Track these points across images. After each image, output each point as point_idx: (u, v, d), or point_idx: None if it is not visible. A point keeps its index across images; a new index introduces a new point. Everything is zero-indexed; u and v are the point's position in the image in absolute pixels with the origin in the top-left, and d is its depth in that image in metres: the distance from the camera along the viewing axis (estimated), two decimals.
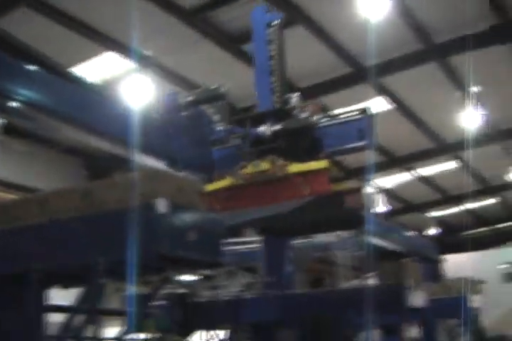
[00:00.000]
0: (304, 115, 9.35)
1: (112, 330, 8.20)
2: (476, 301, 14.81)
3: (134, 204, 5.62)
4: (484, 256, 40.65)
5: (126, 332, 7.54)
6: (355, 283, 13.02)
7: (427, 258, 14.89)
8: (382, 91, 21.82)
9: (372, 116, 9.60)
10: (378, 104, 22.36)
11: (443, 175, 31.21)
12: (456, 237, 40.25)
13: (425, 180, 32.01)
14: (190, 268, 6.93)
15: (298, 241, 11.60)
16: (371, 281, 12.15)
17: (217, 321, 10.18)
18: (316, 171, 8.54)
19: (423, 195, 34.35)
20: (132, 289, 7.95)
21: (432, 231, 38.33)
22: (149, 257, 5.64)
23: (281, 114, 9.38)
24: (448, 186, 33.43)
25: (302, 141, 9.38)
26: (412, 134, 25.23)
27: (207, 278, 10.18)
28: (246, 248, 10.88)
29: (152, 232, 5.59)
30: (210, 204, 8.64)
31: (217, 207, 8.74)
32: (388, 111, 22.46)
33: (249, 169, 8.90)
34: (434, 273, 15.22)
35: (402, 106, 23.19)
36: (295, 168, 8.66)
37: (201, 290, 10.46)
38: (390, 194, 32.77)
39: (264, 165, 8.79)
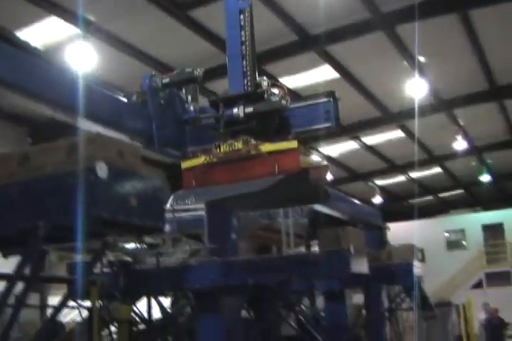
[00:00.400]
0: (274, 98, 9.69)
1: (57, 298, 8.15)
2: (419, 268, 15.00)
3: (74, 168, 5.54)
4: (429, 224, 41.42)
5: (69, 299, 7.48)
6: (299, 250, 13.10)
7: (372, 225, 15.01)
8: (329, 59, 21.80)
9: (337, 98, 9.97)
10: (324, 73, 22.39)
11: (388, 144, 31.49)
12: (402, 205, 40.84)
13: (371, 149, 32.24)
14: (131, 233, 6.88)
15: None
16: (315, 248, 12.24)
17: (162, 288, 10.21)
18: (287, 150, 8.96)
19: (368, 163, 34.64)
20: (76, 257, 7.88)
21: (377, 199, 38.72)
22: (90, 222, 5.58)
23: (253, 96, 9.72)
24: (393, 155, 33.77)
25: (273, 122, 9.75)
26: (357, 103, 25.28)
27: (151, 245, 10.12)
28: (190, 215, 10.86)
29: (92, 196, 5.53)
30: (185, 180, 9.21)
31: (192, 183, 9.22)
32: (334, 80, 22.46)
33: (223, 148, 9.20)
34: (378, 240, 15.34)
35: (348, 75, 23.23)
36: (267, 147, 9.03)
37: (145, 257, 10.40)
38: (335, 162, 32.95)
39: (238, 145, 9.11)
